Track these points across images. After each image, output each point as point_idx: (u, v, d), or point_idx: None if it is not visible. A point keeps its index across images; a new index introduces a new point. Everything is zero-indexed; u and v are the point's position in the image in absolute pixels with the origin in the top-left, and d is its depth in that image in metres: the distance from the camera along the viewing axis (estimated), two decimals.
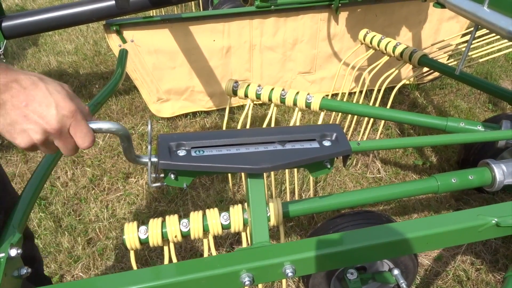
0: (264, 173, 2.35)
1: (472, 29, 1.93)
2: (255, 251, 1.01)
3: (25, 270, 1.01)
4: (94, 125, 0.81)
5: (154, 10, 4.09)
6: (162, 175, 1.05)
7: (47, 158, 1.31)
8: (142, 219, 2.45)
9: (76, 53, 4.43)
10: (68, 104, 0.71)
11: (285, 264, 0.98)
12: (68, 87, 0.77)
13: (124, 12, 2.60)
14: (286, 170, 2.28)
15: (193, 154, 1.02)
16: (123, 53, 2.13)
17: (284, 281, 1.67)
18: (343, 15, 3.18)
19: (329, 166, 1.14)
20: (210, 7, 4.36)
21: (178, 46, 2.96)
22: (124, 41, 2.81)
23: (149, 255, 2.24)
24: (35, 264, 1.58)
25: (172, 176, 1.03)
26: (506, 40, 2.40)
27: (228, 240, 2.31)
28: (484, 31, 2.55)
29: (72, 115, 0.72)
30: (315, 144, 1.11)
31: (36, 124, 0.68)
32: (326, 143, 1.11)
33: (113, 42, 2.81)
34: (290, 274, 0.98)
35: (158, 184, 1.04)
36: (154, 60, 2.97)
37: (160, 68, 3.02)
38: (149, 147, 0.96)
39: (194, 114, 3.36)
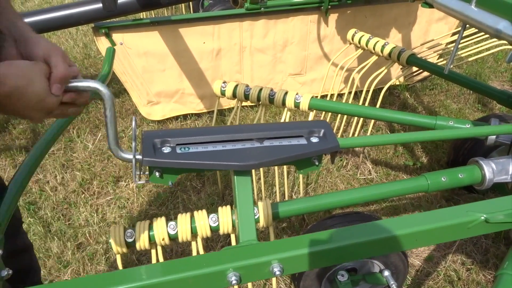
0: (253, 172, 2.35)
1: (460, 28, 1.94)
2: (242, 250, 0.99)
3: (5, 272, 0.98)
4: (74, 84, 0.89)
5: (143, 13, 4.09)
6: (147, 172, 1.04)
7: (28, 160, 1.28)
8: (132, 223, 2.43)
9: None
10: (51, 101, 0.85)
11: (272, 262, 0.97)
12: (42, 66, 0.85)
13: (112, 14, 2.58)
14: (276, 172, 2.26)
15: (178, 151, 1.01)
16: (110, 52, 2.12)
17: (274, 282, 1.65)
18: (332, 17, 3.18)
19: (317, 163, 1.12)
20: (201, 9, 4.35)
21: (168, 48, 2.95)
22: (113, 43, 2.79)
23: (139, 259, 2.22)
24: (31, 274, 1.56)
25: (157, 173, 1.01)
26: (494, 39, 2.42)
27: (219, 243, 2.29)
28: (472, 30, 2.56)
29: (51, 103, 0.86)
30: (302, 141, 1.10)
31: (33, 118, 0.87)
32: (314, 140, 1.10)
33: (102, 45, 2.79)
34: (277, 272, 0.96)
35: (143, 181, 1.02)
36: (143, 62, 2.96)
37: (150, 71, 3.01)
38: (133, 143, 0.95)
39: (185, 116, 3.35)
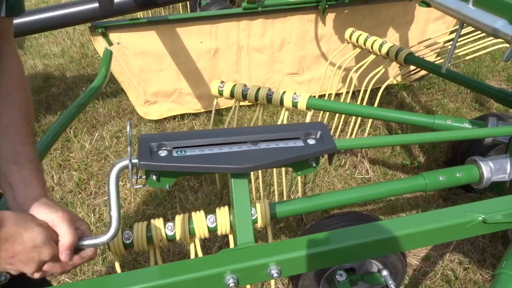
0: (252, 174, 2.35)
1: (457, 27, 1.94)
2: (240, 252, 0.99)
3: (3, 277, 0.98)
4: (86, 242, 0.92)
5: (140, 12, 4.08)
6: (144, 176, 1.03)
7: None
8: (130, 223, 2.42)
9: (62, 56, 4.38)
10: (45, 252, 0.85)
11: (270, 264, 0.96)
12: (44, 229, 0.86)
13: (108, 14, 2.57)
14: (274, 172, 2.26)
15: (174, 154, 1.00)
16: (108, 54, 2.11)
17: (273, 283, 1.65)
18: (330, 17, 3.18)
19: (314, 165, 1.12)
20: (198, 8, 4.34)
21: (165, 48, 2.94)
22: (110, 43, 2.78)
23: (137, 260, 2.21)
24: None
25: (154, 177, 1.00)
26: (491, 38, 2.41)
27: (216, 243, 2.29)
28: (470, 29, 2.56)
29: (50, 258, 0.86)
30: (299, 143, 1.09)
31: (22, 269, 0.86)
32: (311, 142, 1.10)
33: (99, 44, 2.78)
34: (275, 275, 0.96)
35: (140, 185, 1.01)
36: (141, 62, 2.95)
37: (147, 71, 3.00)
38: (129, 148, 0.94)
39: (182, 116, 3.34)
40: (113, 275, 0.93)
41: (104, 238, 0.93)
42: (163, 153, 1.00)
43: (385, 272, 1.67)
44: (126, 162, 0.96)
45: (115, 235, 0.94)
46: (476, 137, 1.73)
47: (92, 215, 2.47)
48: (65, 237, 0.88)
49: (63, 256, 0.89)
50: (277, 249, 0.99)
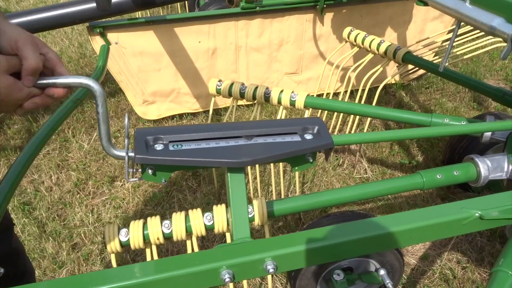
0: (250, 173, 2.35)
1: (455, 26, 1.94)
2: (236, 247, 0.98)
3: None
4: (64, 80, 0.88)
5: (139, 12, 4.08)
6: (140, 170, 1.03)
7: (19, 160, 1.26)
8: (128, 223, 2.41)
9: (60, 56, 4.36)
10: (16, 96, 0.84)
11: (266, 260, 0.96)
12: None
13: (106, 14, 2.57)
14: (272, 171, 2.26)
15: (171, 148, 1.00)
16: (104, 49, 2.11)
17: (269, 279, 1.65)
18: (328, 16, 3.18)
19: (311, 160, 1.12)
20: (196, 8, 4.35)
21: (163, 48, 2.94)
22: (108, 43, 2.78)
23: (135, 259, 2.21)
24: (26, 277, 1.54)
25: (150, 171, 1.00)
26: (489, 37, 2.42)
27: (215, 243, 2.28)
28: (468, 28, 2.57)
29: (25, 98, 0.85)
30: (296, 138, 1.09)
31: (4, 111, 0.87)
32: (308, 137, 1.09)
33: (97, 44, 2.77)
34: (271, 270, 0.96)
35: (135, 179, 1.01)
36: (139, 62, 2.95)
37: (145, 70, 3.00)
38: (126, 141, 0.93)
39: (181, 116, 3.34)
40: (108, 270, 0.93)
41: (88, 80, 0.89)
42: (159, 146, 1.00)
43: (382, 271, 1.67)
44: (122, 153, 0.95)
45: (97, 85, 0.90)
46: (473, 132, 1.72)
47: (91, 215, 2.46)
48: (28, 60, 0.84)
49: (25, 81, 0.85)
50: (273, 244, 0.99)
